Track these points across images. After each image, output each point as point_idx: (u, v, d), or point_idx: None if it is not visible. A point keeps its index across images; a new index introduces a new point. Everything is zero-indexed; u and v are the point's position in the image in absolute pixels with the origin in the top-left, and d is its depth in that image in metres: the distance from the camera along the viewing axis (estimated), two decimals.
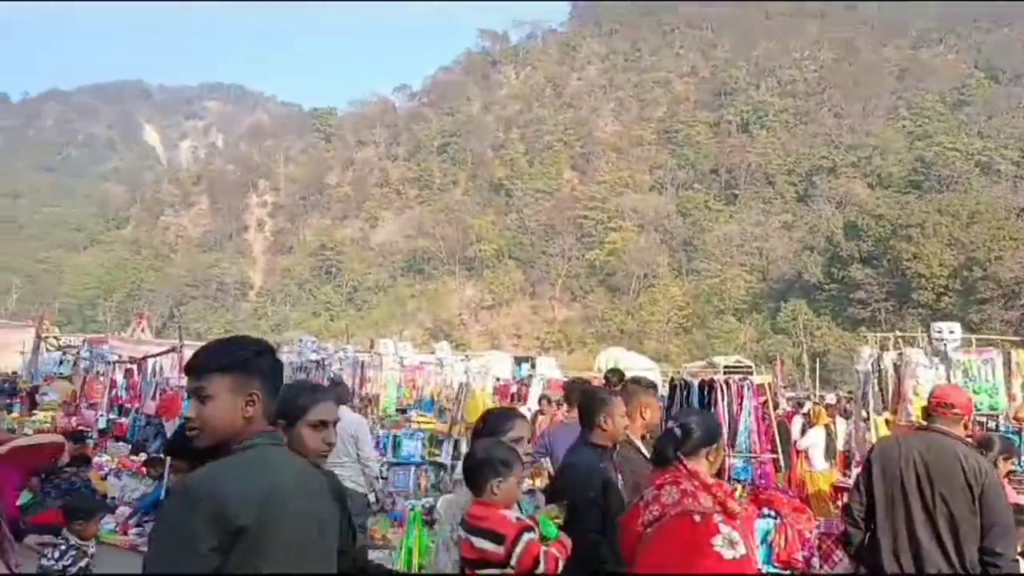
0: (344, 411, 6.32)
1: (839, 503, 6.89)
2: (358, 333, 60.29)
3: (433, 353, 7.76)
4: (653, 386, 3.68)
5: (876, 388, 6.00)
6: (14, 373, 14.27)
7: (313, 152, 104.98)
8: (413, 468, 6.78)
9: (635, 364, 11.13)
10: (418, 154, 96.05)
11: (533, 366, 19.42)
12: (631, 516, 2.58)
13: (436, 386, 7.28)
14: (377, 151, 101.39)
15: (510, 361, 22.24)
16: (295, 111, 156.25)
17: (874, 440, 5.26)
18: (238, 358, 1.83)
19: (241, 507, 1.62)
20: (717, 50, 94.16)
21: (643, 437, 3.55)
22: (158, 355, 11.14)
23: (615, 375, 6.69)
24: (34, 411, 11.63)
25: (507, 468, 2.56)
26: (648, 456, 3.20)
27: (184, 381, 7.63)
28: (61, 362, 15.84)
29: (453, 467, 6.86)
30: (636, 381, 3.67)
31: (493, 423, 3.00)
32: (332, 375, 8.44)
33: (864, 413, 6.20)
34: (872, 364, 6.09)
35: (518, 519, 2.53)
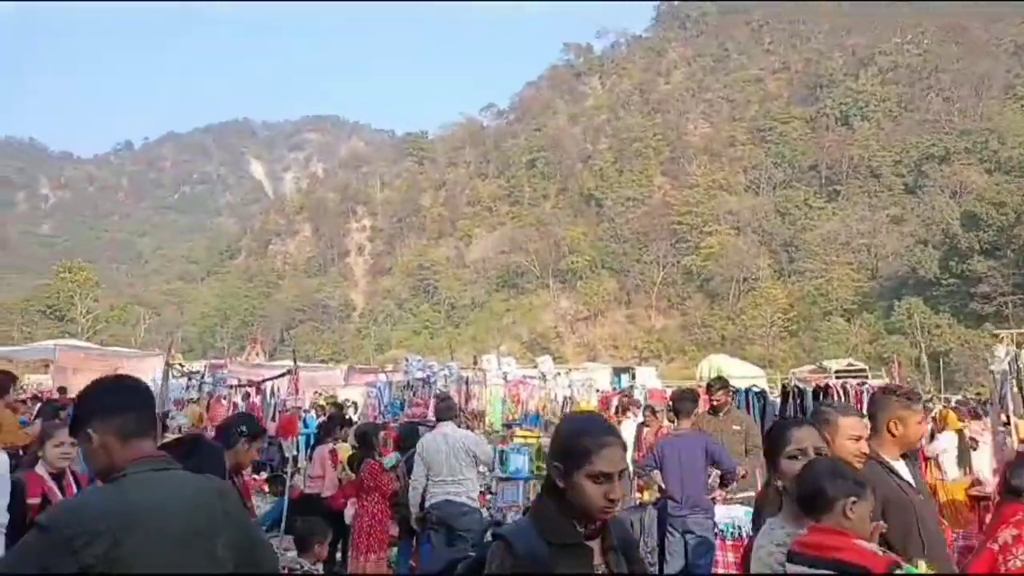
0: (452, 428, 6.45)
1: (977, 514, 6.41)
2: (457, 349, 61.43)
3: (536, 367, 7.78)
4: (913, 397, 2.90)
5: (1015, 389, 5.55)
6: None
7: (407, 176, 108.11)
8: (522, 483, 6.81)
9: (739, 371, 10.81)
10: (507, 171, 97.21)
11: (633, 376, 19.19)
12: (984, 562, 2.21)
13: (540, 400, 7.29)
14: (468, 170, 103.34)
15: (609, 372, 22.05)
16: (388, 137, 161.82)
17: (1015, 446, 4.87)
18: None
19: (87, 532, 1.66)
20: (809, 43, 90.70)
21: (903, 456, 2.84)
22: (275, 378, 11.71)
23: (719, 383, 6.51)
24: (165, 435, 12.47)
25: (862, 488, 2.07)
26: (909, 481, 2.68)
27: (300, 402, 7.97)
28: (187, 387, 16.84)
29: None
30: (891, 391, 2.89)
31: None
32: (438, 392, 8.63)
33: (1003, 417, 5.72)
34: (1010, 364, 5.63)
35: (884, 552, 1.98)
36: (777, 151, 77.42)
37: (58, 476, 3.65)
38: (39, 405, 11.53)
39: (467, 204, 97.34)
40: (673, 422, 10.72)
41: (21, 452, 5.09)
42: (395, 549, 6.82)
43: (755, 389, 8.93)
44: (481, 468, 5.69)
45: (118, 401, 1.95)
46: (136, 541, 1.71)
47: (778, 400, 8.95)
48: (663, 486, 5.37)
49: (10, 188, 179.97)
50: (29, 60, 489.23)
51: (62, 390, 13.48)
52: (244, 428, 3.32)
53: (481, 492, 6.75)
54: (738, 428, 6.09)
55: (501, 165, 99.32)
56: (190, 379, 17.11)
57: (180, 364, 19.83)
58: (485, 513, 6.05)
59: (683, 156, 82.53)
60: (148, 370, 21.71)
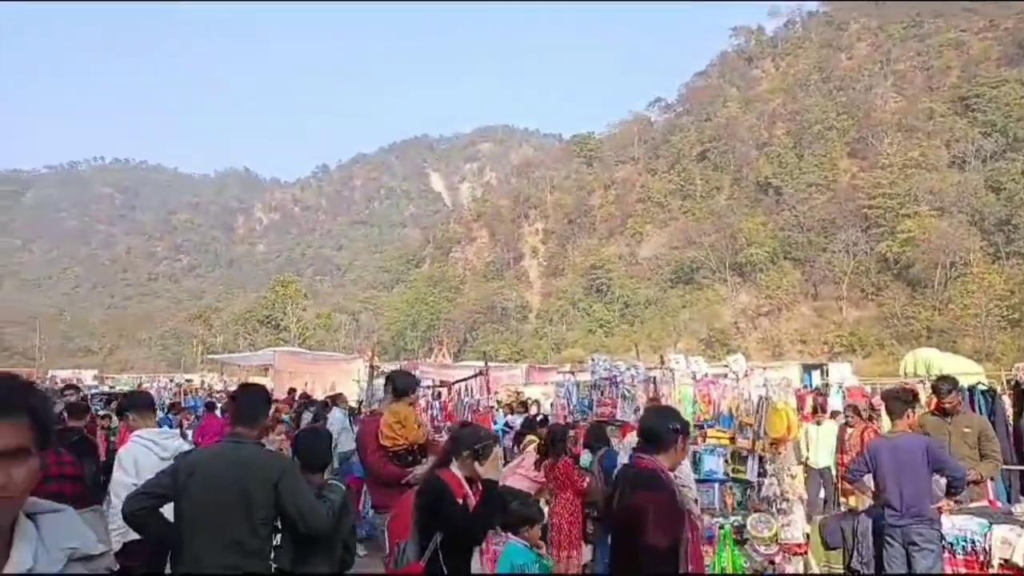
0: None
1: None
2: (632, 347, 60.71)
3: (726, 366, 7.63)
4: None
5: None
6: (359, 402, 16.75)
7: (576, 177, 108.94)
8: (717, 485, 6.72)
9: (952, 367, 9.84)
10: (678, 164, 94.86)
11: (825, 374, 17.93)
12: None
13: (733, 400, 7.12)
14: (636, 167, 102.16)
15: (797, 369, 20.76)
16: (557, 141, 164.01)
17: None
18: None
19: (178, 469, 3.39)
20: None
21: None
22: (467, 379, 12.41)
23: (948, 383, 6.01)
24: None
25: None
26: None
27: (491, 401, 8.48)
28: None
29: (759, 484, 6.66)
30: None
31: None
32: (624, 392, 8.72)
33: None
34: None
35: None
36: (986, 120, 68.78)
37: None
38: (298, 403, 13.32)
39: (637, 201, 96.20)
40: (872, 420, 10.04)
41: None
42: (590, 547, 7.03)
43: (981, 387, 8.12)
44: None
45: (234, 399, 3.87)
46: (191, 480, 3.32)
47: (1007, 399, 8.10)
48: (876, 492, 5.11)
49: (231, 214, 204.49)
50: (242, 97, 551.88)
51: (291, 391, 15.11)
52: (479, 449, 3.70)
53: None
54: (968, 430, 5.63)
55: (671, 159, 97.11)
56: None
57: (375, 366, 21.49)
58: None
59: (872, 135, 75.85)
60: (352, 371, 23.77)
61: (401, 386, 5.36)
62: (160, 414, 13.90)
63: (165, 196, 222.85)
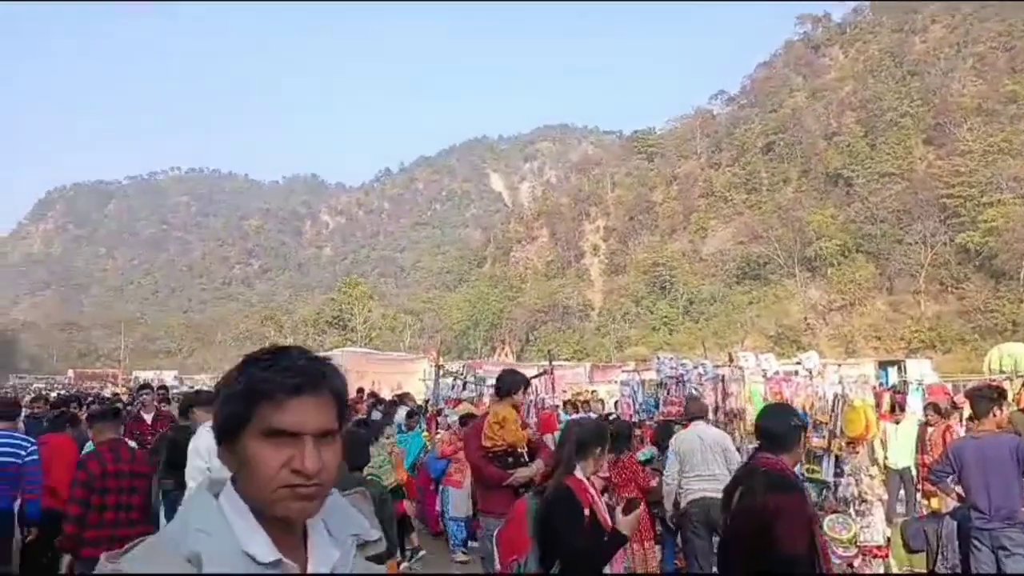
0: (704, 426, 6.50)
1: None
2: (697, 346, 59.73)
3: (798, 363, 7.42)
4: None
5: None
6: (426, 401, 17.00)
7: (637, 173, 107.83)
8: None
9: None
10: (742, 158, 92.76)
11: (902, 370, 17.22)
12: None
13: (807, 398, 6.91)
14: (699, 162, 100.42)
15: (872, 366, 20.02)
16: (617, 138, 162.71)
17: None
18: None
19: None
20: None
21: None
22: (532, 378, 12.46)
23: None
24: (438, 431, 13.82)
25: None
26: None
27: (557, 400, 8.52)
28: (452, 387, 18.42)
29: (836, 485, 6.48)
30: None
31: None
32: (691, 391, 8.60)
33: None
34: None
35: None
36: None
37: None
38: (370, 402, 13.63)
39: (700, 196, 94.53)
40: (948, 417, 9.60)
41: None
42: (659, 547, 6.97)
43: None
44: (732, 467, 5.72)
45: None
46: None
47: None
48: (962, 494, 4.90)
49: (299, 219, 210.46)
50: (308, 104, 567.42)
51: (360, 391, 15.46)
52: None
53: None
54: None
55: (735, 153, 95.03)
56: (455, 379, 18.75)
57: (440, 365, 21.79)
58: None
59: (949, 121, 72.41)
60: (417, 371, 24.17)
61: (505, 385, 5.16)
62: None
63: (237, 203, 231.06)
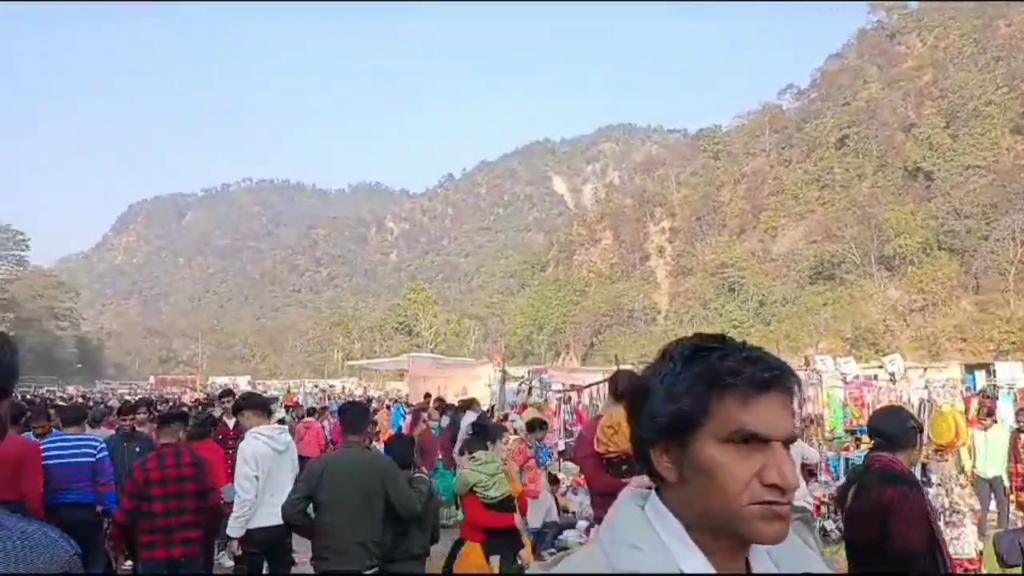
0: None
1: None
2: (770, 348, 57.79)
3: (879, 367, 7.00)
4: None
5: None
6: (492, 406, 16.98)
7: (703, 173, 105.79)
8: None
9: None
10: (813, 154, 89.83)
11: (991, 374, 16.23)
12: None
13: (890, 403, 6.51)
14: (768, 159, 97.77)
15: (958, 370, 18.99)
16: (681, 136, 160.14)
17: None
18: None
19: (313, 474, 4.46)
20: None
21: None
22: (600, 382, 12.27)
23: None
24: (505, 435, 13.79)
25: None
26: None
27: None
28: (518, 392, 18.35)
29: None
30: None
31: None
32: None
33: None
34: None
35: None
36: None
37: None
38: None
39: (770, 194, 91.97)
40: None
41: None
42: None
43: None
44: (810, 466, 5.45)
45: (345, 412, 5.25)
46: (324, 480, 4.33)
47: None
48: None
49: (364, 226, 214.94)
50: (371, 113, 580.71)
51: (427, 396, 15.54)
52: None
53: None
54: None
55: (806, 148, 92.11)
56: (520, 384, 18.69)
57: (504, 370, 21.74)
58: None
59: None
60: (482, 376, 24.21)
61: (623, 387, 4.67)
62: (281, 412, 15.30)
63: (305, 212, 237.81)
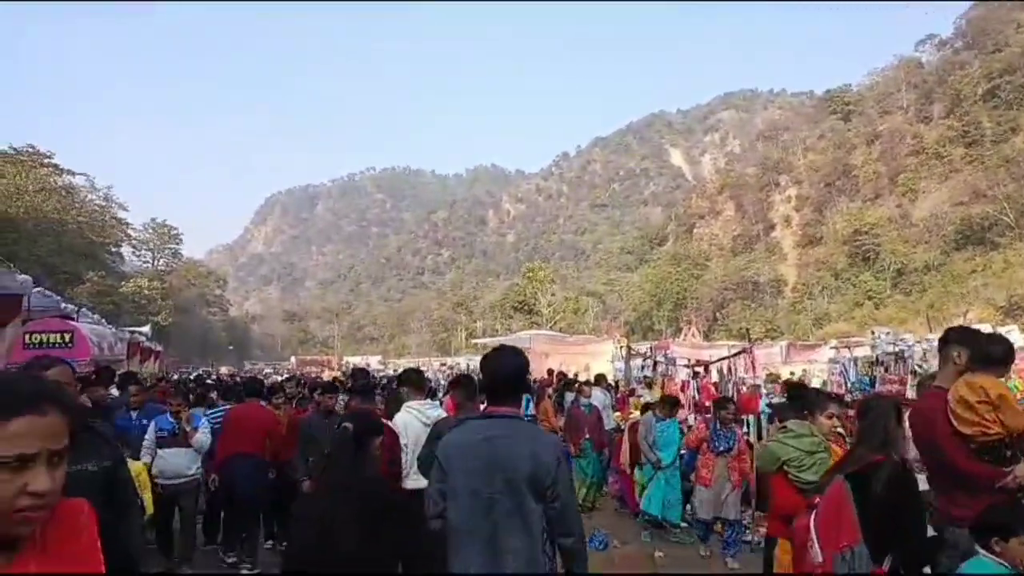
0: None
1: None
2: (910, 320, 54.43)
3: None
4: None
5: None
6: (616, 381, 17.05)
7: (832, 136, 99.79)
8: None
9: None
10: (958, 108, 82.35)
11: None
12: None
13: None
14: (906, 117, 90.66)
15: None
16: (807, 99, 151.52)
17: None
18: None
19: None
20: None
21: None
22: (728, 357, 12.03)
23: None
24: (630, 412, 13.81)
25: None
26: None
27: (757, 379, 8.03)
28: (642, 367, 18.27)
29: None
30: None
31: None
32: (915, 368, 7.85)
33: None
34: None
35: None
36: None
37: None
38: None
39: (908, 154, 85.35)
40: None
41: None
42: None
43: None
44: None
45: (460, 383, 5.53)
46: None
47: None
48: None
49: (483, 208, 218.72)
50: (485, 96, 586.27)
51: (550, 372, 15.85)
52: None
53: None
54: None
55: (949, 103, 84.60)
56: (644, 359, 18.59)
57: (629, 346, 21.67)
58: None
59: None
60: (603, 352, 24.24)
61: (988, 352, 3.63)
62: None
63: (426, 197, 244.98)
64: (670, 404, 8.48)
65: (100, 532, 2.50)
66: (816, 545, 3.10)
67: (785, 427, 4.76)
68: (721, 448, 7.05)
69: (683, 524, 8.03)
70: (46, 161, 55.23)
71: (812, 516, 3.24)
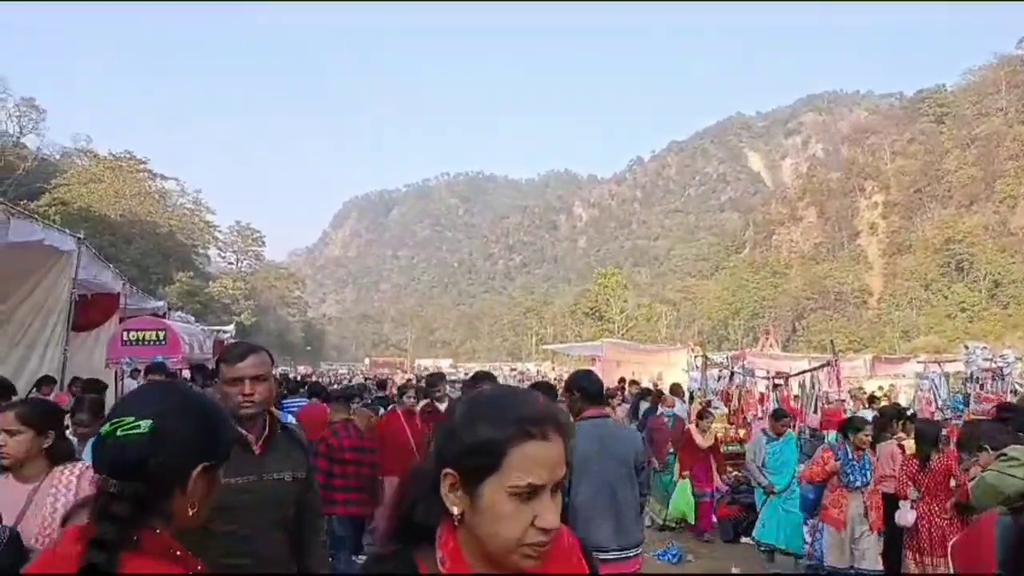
0: None
1: None
2: (1007, 334, 51.36)
3: None
4: None
5: None
6: (691, 392, 16.71)
7: (923, 139, 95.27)
8: None
9: None
10: None
11: None
12: None
13: None
14: (1005, 119, 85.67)
15: None
16: (896, 100, 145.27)
17: None
18: None
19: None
20: None
21: None
22: (811, 370, 11.61)
23: None
24: (708, 423, 13.49)
25: None
26: None
27: (842, 394, 7.58)
28: (719, 378, 17.81)
29: None
30: None
31: None
32: (1015, 387, 7.37)
33: None
34: None
35: None
36: None
37: None
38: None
39: (1008, 159, 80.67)
40: None
41: None
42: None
43: None
44: None
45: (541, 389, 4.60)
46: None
47: None
48: None
49: (554, 213, 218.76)
50: (558, 100, 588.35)
51: (622, 380, 15.67)
52: None
53: None
54: None
55: None
56: (721, 370, 18.12)
57: (705, 356, 21.18)
58: None
59: None
60: (676, 362, 23.77)
61: None
62: None
63: (498, 202, 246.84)
64: (779, 417, 7.46)
65: (294, 553, 2.31)
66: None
67: (1004, 455, 3.62)
68: (857, 483, 5.78)
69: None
70: (142, 167, 58.54)
71: (950, 544, 2.93)
